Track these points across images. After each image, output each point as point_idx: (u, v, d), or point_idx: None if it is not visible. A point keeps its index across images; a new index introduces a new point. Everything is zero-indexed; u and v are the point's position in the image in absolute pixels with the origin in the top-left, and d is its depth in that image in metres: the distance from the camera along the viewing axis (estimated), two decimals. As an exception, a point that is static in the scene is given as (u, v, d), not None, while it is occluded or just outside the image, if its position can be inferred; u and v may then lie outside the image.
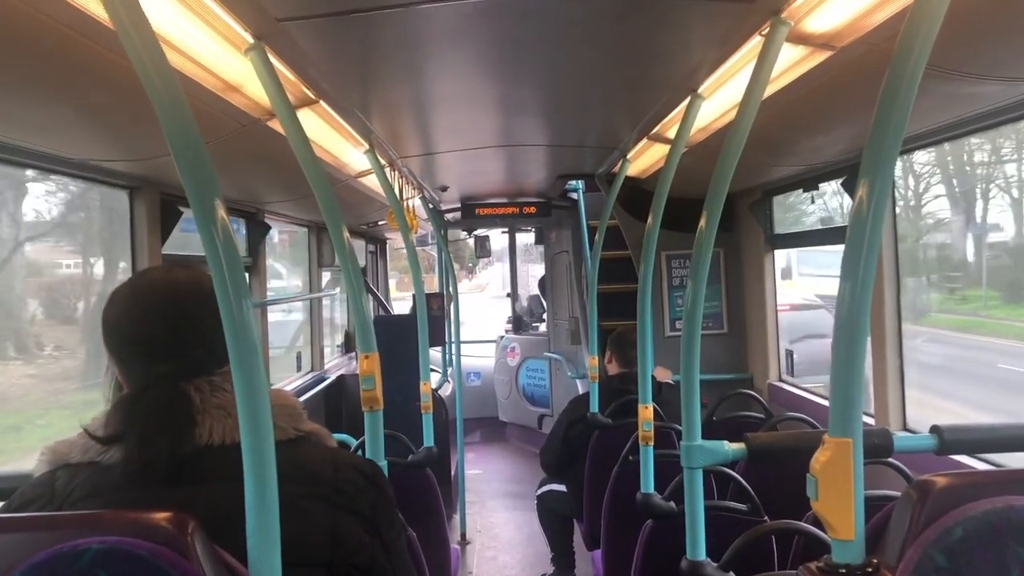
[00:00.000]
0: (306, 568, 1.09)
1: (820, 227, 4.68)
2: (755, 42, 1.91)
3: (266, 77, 1.74)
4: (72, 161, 2.31)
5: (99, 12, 1.36)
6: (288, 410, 1.23)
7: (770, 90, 2.07)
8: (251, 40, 1.70)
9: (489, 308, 16.66)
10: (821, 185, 3.68)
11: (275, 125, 2.31)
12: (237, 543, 1.01)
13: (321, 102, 2.37)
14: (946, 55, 1.71)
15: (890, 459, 1.98)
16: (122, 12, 0.99)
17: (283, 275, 6.57)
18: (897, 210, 3.09)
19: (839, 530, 1.12)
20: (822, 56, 1.95)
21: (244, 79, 2.01)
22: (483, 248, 8.33)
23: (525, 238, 9.37)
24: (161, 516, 0.94)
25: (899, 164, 4.93)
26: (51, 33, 1.39)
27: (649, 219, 2.48)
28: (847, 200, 4.08)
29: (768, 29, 1.73)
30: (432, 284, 8.69)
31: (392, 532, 1.23)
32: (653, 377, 3.51)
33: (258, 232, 4.05)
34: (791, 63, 2.06)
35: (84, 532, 0.91)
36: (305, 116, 2.41)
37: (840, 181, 3.40)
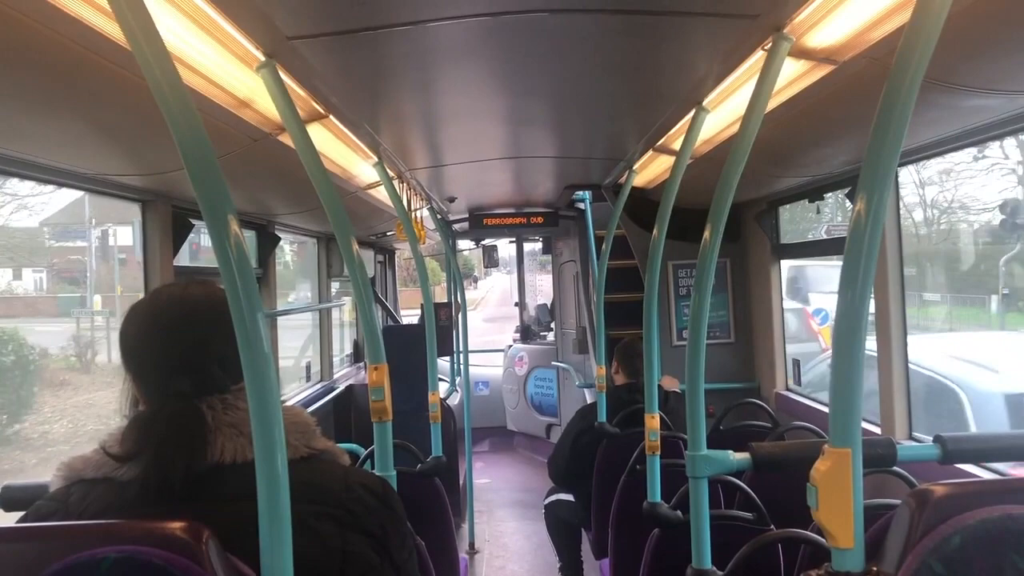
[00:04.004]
0: None
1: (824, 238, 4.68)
2: (758, 56, 1.93)
3: (277, 93, 1.77)
4: (87, 176, 2.34)
5: (114, 32, 1.39)
6: (301, 427, 1.23)
7: (773, 103, 2.09)
8: (262, 57, 1.74)
9: (480, 333, 14.07)
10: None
11: (285, 139, 2.34)
12: (251, 561, 1.02)
13: (331, 116, 2.40)
14: (947, 69, 1.74)
15: (896, 468, 1.98)
16: (136, 32, 1.01)
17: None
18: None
19: (839, 538, 1.14)
20: (824, 70, 1.97)
21: (255, 95, 2.04)
22: (491, 258, 8.35)
23: (530, 248, 9.39)
24: (176, 525, 0.96)
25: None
26: (68, 53, 1.42)
27: (655, 229, 2.49)
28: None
29: (771, 44, 1.76)
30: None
31: (403, 552, 1.22)
32: (660, 386, 3.52)
33: (269, 244, 4.09)
34: (793, 77, 2.08)
35: (101, 541, 0.93)
36: (315, 130, 2.44)
37: (845, 192, 3.42)
